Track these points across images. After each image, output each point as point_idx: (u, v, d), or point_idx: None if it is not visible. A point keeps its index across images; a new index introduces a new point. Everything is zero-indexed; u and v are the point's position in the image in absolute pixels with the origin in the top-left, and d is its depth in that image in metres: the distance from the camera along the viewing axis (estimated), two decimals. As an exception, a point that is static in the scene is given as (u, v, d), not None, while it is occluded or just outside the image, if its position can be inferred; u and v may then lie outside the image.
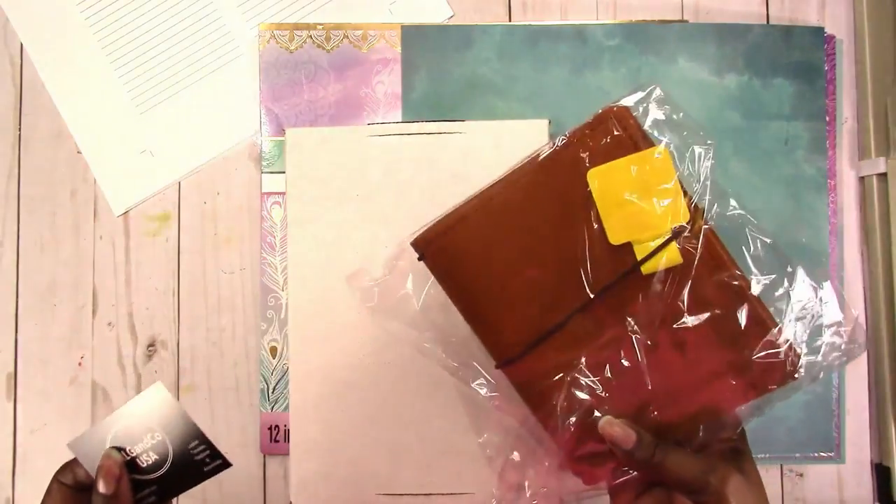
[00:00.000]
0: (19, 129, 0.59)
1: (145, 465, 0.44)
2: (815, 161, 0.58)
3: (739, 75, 0.58)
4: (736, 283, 0.42)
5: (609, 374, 0.43)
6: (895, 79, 0.56)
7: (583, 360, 0.43)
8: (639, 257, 0.42)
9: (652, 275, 0.42)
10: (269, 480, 0.57)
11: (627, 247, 0.42)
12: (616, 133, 0.42)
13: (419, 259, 0.46)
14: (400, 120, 0.58)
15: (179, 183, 0.59)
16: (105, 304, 0.58)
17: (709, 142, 0.43)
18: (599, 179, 0.42)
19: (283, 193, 0.57)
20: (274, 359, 0.57)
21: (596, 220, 0.42)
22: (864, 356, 0.58)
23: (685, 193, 0.42)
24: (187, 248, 0.58)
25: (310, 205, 0.55)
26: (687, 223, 0.41)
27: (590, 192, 0.42)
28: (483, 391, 0.46)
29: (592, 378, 0.43)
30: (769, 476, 0.58)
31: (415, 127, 0.55)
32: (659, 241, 0.41)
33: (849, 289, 0.59)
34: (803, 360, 0.42)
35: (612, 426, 0.41)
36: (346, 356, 0.54)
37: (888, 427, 0.56)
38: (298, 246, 0.55)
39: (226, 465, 0.45)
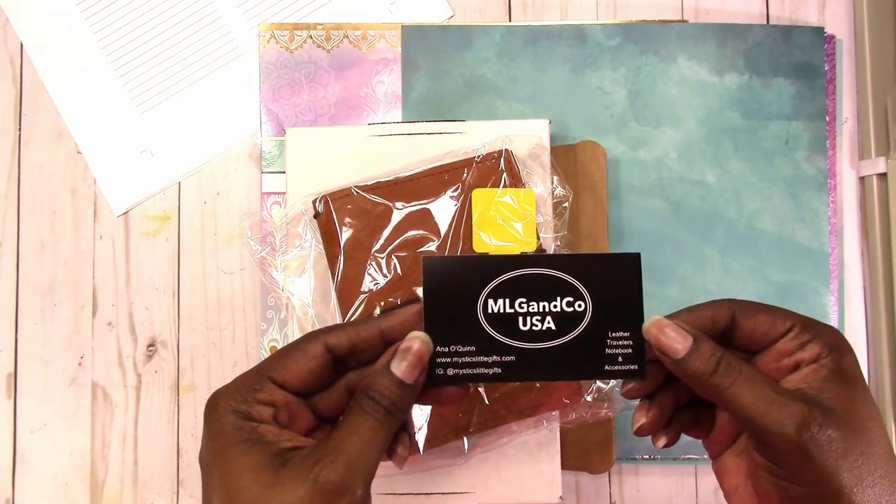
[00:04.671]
0: (19, 129, 0.59)
1: (527, 328, 0.33)
2: (815, 161, 0.58)
3: (739, 75, 0.58)
4: None
5: None
6: (895, 79, 0.56)
7: None
8: None
9: None
10: (269, 480, 0.57)
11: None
12: (501, 168, 0.52)
13: (315, 216, 0.52)
14: (400, 120, 0.58)
15: (179, 183, 0.59)
16: (105, 304, 0.58)
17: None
18: (479, 198, 0.51)
19: (283, 193, 0.57)
20: (274, 359, 0.57)
21: (468, 229, 0.51)
22: (865, 356, 0.58)
23: (538, 234, 0.51)
24: (187, 248, 0.58)
25: (310, 205, 0.55)
26: (534, 251, 0.50)
27: (470, 206, 0.51)
28: None
29: None
30: (769, 476, 0.58)
31: (415, 127, 0.55)
32: None
33: (849, 289, 0.59)
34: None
35: (664, 328, 0.32)
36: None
37: (888, 427, 0.56)
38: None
39: (639, 376, 0.34)
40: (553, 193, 0.53)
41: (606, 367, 0.33)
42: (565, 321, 0.33)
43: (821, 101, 0.58)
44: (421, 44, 0.58)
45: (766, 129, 0.58)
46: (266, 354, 0.57)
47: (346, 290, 0.51)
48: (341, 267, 0.51)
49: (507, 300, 0.33)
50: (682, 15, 0.60)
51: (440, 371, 0.33)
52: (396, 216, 0.51)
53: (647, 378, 0.34)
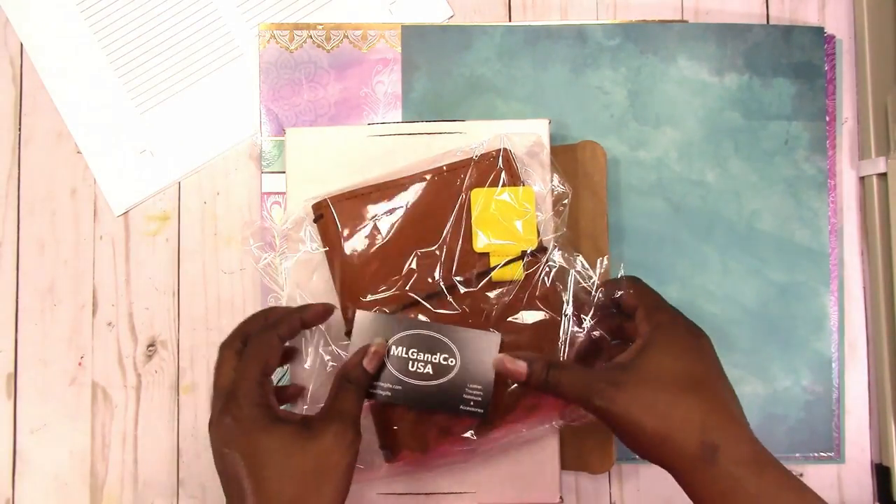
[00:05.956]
0: (19, 129, 0.59)
1: (413, 369, 0.47)
2: (815, 161, 0.58)
3: (739, 75, 0.58)
4: (550, 312, 0.51)
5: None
6: (895, 79, 0.56)
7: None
8: (492, 265, 0.50)
9: (499, 282, 0.50)
10: (269, 480, 0.57)
11: (486, 255, 0.51)
12: (499, 167, 0.51)
13: (315, 221, 0.52)
14: (400, 120, 0.58)
15: (179, 183, 0.59)
16: (105, 304, 0.58)
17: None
18: (478, 197, 0.51)
19: (283, 193, 0.57)
20: (274, 359, 0.57)
21: (468, 229, 0.51)
22: (865, 356, 0.58)
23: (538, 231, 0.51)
24: (187, 248, 0.58)
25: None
26: (535, 250, 0.50)
27: (470, 205, 0.51)
28: (327, 359, 0.51)
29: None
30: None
31: (415, 127, 0.55)
32: (510, 257, 0.50)
33: (849, 289, 0.59)
34: None
35: (503, 362, 0.45)
36: (346, 355, 0.54)
37: (888, 427, 0.56)
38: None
39: (482, 417, 0.48)
40: (552, 192, 0.53)
41: (461, 407, 0.47)
42: (440, 369, 0.47)
43: (821, 101, 0.58)
44: (421, 44, 0.58)
45: (766, 129, 0.58)
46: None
47: (348, 292, 0.51)
48: (342, 269, 0.51)
49: (404, 348, 0.47)
50: (682, 15, 0.60)
51: None
52: (397, 216, 0.51)
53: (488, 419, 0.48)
